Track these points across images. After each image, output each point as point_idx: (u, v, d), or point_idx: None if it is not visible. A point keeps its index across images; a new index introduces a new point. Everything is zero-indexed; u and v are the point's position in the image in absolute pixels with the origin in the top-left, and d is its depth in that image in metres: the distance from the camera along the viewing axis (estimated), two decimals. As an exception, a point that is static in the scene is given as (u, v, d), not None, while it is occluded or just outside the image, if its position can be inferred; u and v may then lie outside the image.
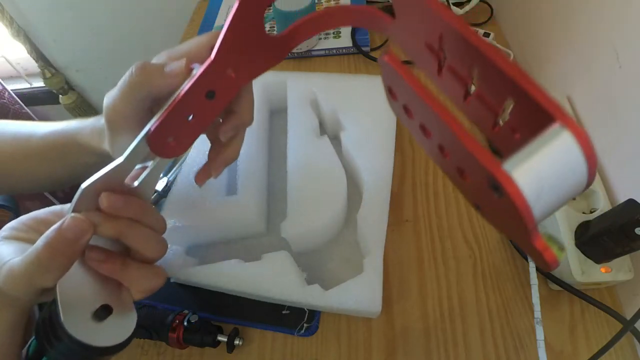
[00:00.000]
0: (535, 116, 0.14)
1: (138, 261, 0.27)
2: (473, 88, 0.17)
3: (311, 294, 0.33)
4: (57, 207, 0.28)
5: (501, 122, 0.17)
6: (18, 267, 0.23)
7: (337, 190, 0.37)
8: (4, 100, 0.96)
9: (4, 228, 0.27)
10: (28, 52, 0.99)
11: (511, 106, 0.15)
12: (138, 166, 0.27)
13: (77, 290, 0.24)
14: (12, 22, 0.94)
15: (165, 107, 0.25)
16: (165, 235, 0.36)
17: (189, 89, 0.25)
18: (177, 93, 0.25)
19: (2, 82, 0.95)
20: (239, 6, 0.24)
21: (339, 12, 0.27)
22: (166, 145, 0.26)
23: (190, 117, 0.26)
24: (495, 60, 0.15)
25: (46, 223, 0.26)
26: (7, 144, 0.37)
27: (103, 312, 0.25)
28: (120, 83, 0.27)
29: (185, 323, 0.34)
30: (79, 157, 0.36)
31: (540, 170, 0.14)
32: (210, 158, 0.32)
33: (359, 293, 0.32)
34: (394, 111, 0.22)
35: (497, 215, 0.16)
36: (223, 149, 0.32)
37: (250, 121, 0.31)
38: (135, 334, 0.26)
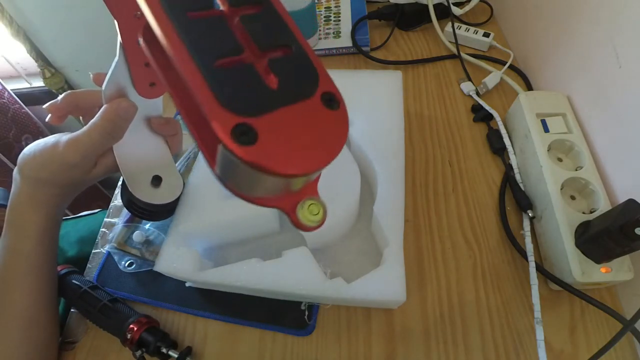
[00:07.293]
0: None
1: None
2: None
3: (335, 288, 0.32)
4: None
5: None
6: (83, 136, 0.30)
7: (351, 183, 0.37)
8: (4, 100, 0.96)
9: None
10: (28, 52, 0.99)
11: None
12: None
13: (134, 165, 0.34)
14: (11, 22, 0.93)
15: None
16: (179, 239, 0.38)
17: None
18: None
19: (2, 82, 0.95)
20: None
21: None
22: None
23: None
24: None
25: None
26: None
27: (157, 181, 0.35)
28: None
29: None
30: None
31: None
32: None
33: (383, 283, 0.32)
34: None
35: None
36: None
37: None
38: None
